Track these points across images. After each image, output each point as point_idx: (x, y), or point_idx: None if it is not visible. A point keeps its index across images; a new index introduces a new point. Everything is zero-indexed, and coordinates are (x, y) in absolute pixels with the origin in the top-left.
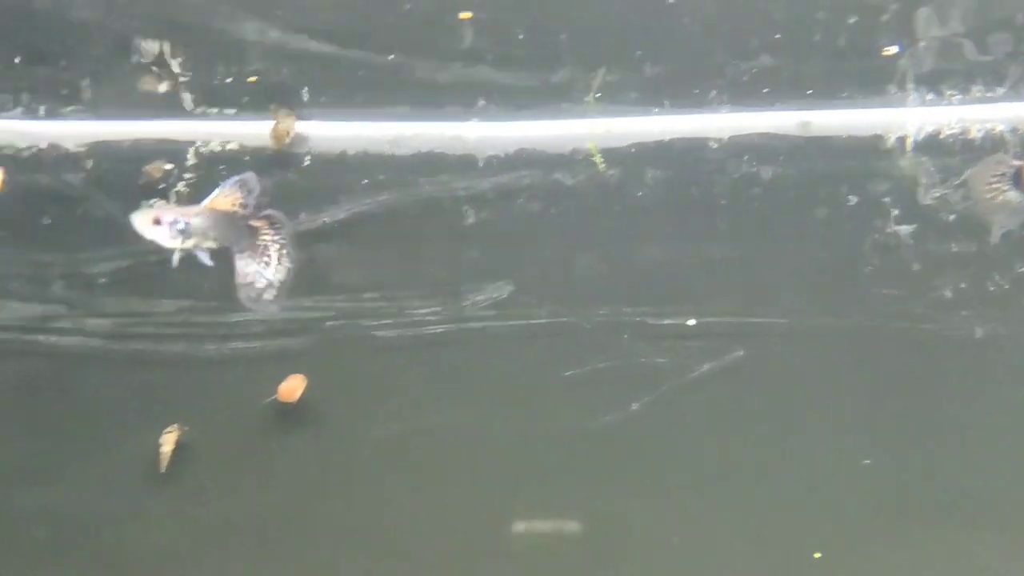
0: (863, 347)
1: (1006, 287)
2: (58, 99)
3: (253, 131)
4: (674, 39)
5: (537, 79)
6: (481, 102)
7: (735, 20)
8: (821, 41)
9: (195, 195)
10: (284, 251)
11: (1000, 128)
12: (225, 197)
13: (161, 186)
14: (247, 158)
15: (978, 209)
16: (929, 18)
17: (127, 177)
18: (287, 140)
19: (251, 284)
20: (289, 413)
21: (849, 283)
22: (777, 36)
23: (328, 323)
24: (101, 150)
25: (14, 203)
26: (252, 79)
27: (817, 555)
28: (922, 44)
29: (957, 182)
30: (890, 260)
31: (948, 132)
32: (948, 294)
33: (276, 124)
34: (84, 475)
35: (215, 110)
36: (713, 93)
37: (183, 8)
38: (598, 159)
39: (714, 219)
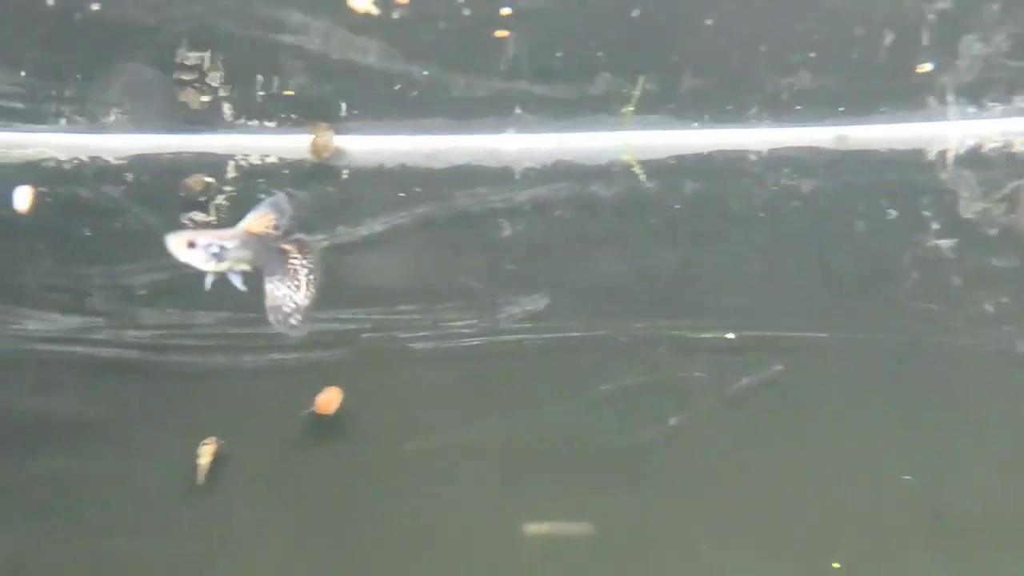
0: (903, 362)
1: None
2: (99, 112)
3: (292, 145)
4: (713, 54)
5: (574, 91)
6: (518, 114)
7: (774, 35)
8: (860, 56)
9: (235, 208)
10: (311, 276)
11: None
12: (259, 220)
13: (201, 199)
14: (286, 171)
15: (1021, 223)
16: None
17: (167, 190)
18: (326, 154)
19: (279, 307)
20: (325, 425)
21: (889, 297)
22: (816, 51)
23: (364, 335)
24: (141, 163)
25: (54, 215)
26: (289, 92)
27: (836, 565)
28: (963, 56)
29: (999, 196)
30: (930, 274)
31: (991, 145)
32: (989, 309)
33: (315, 138)
34: (122, 486)
35: (255, 124)
36: (753, 107)
37: (223, 22)
38: (638, 170)
39: (753, 232)
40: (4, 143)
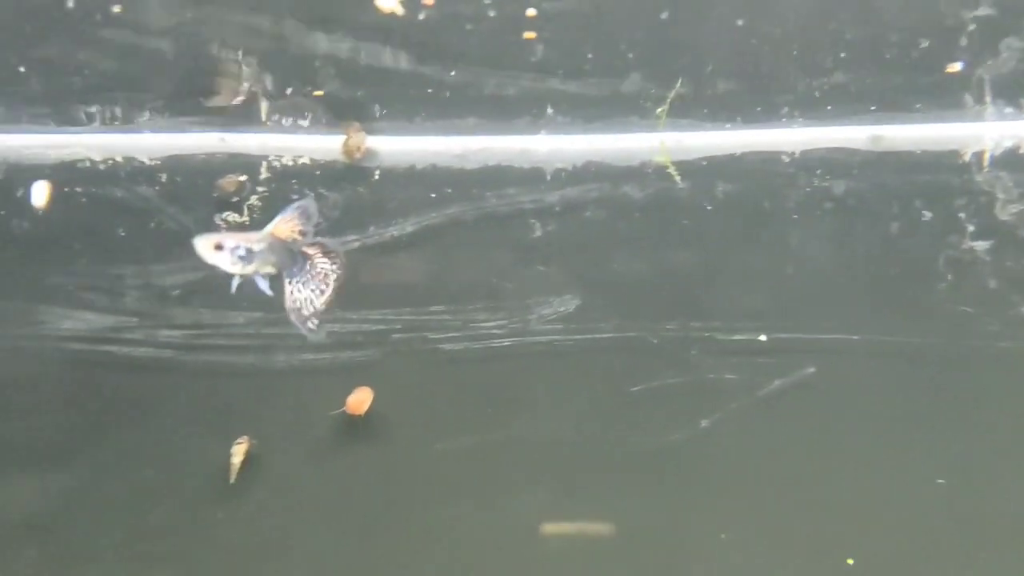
0: (937, 365)
1: None
2: (133, 114)
3: (324, 146)
4: (745, 54)
5: (606, 92)
6: (549, 115)
7: (807, 36)
8: (894, 55)
9: (267, 209)
10: (332, 279)
11: None
12: (286, 223)
13: (234, 199)
14: (318, 172)
15: None
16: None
17: (200, 190)
18: (358, 154)
19: (299, 310)
20: (356, 425)
21: (923, 299)
22: (849, 51)
23: (395, 336)
24: (175, 163)
25: (89, 215)
26: (319, 93)
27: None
28: (1002, 57)
29: None
30: (965, 277)
31: None
32: None
33: (347, 139)
34: (155, 485)
35: (288, 125)
36: (785, 108)
37: (256, 24)
38: (673, 171)
39: (785, 234)
40: (39, 144)
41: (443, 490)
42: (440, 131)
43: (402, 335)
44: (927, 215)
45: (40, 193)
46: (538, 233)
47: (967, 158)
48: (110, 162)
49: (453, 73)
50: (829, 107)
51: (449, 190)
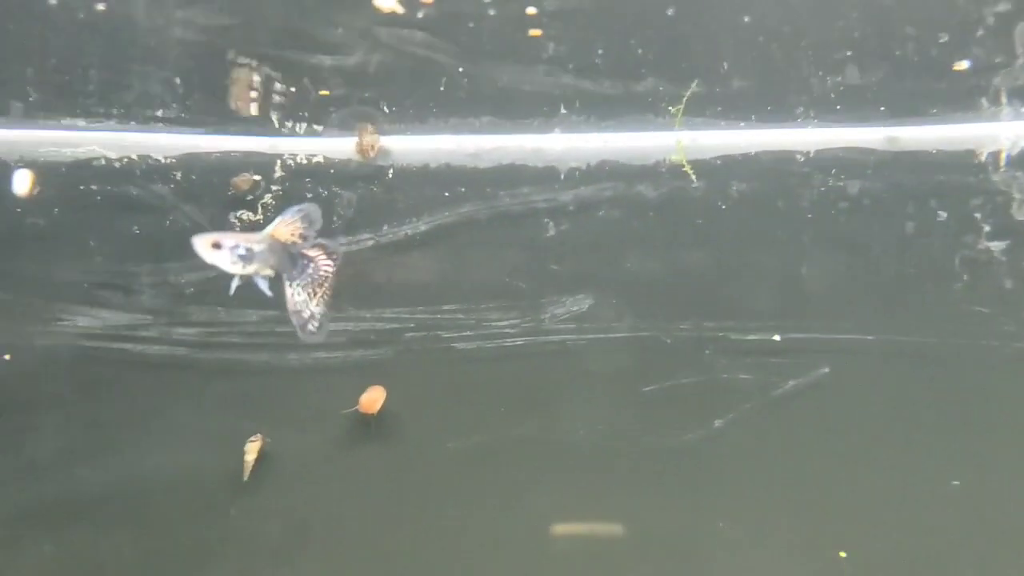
0: (953, 365)
1: None
2: (149, 112)
3: (338, 145)
4: (761, 54)
5: (620, 92)
6: (563, 114)
7: (822, 36)
8: (910, 56)
9: (281, 207)
10: (329, 283)
11: None
12: (286, 226)
13: (248, 198)
14: (332, 171)
15: None
16: None
17: (215, 189)
18: (371, 153)
19: (299, 312)
20: (369, 423)
21: (938, 300)
22: (865, 52)
23: (408, 334)
24: (190, 162)
25: (104, 213)
26: (324, 92)
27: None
28: (1019, 57)
29: None
30: (981, 276)
31: None
32: None
33: (360, 138)
34: (168, 481)
35: (302, 124)
36: (800, 107)
37: (271, 23)
38: (689, 170)
39: (800, 233)
40: (55, 142)
41: (455, 489)
42: (454, 130)
43: (415, 334)
44: (943, 215)
45: (22, 182)
46: (552, 232)
47: (983, 158)
48: (125, 160)
49: (466, 72)
50: (844, 107)
51: (463, 189)
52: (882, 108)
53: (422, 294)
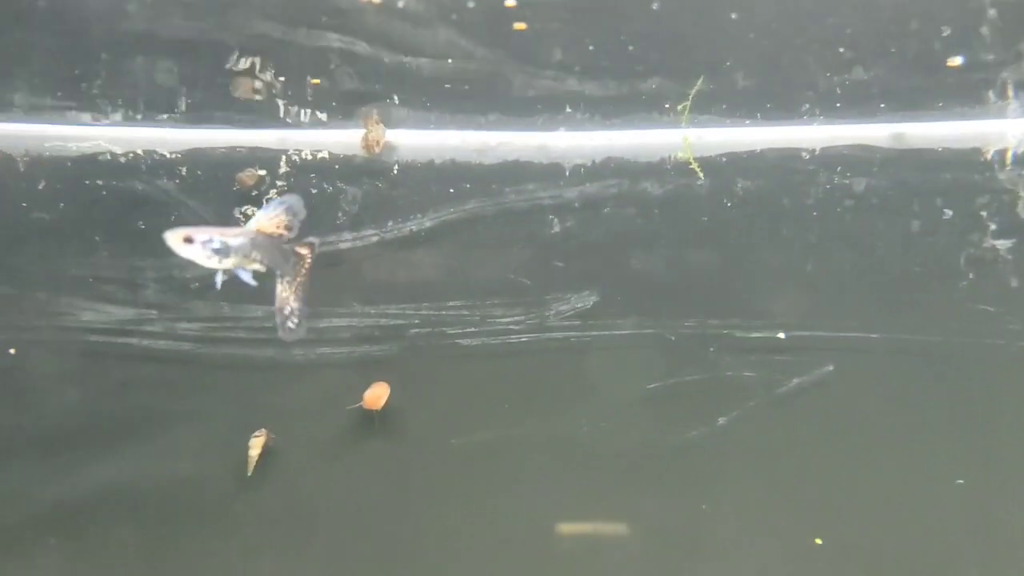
0: (957, 364)
1: None
2: (154, 106)
3: (343, 140)
4: (766, 51)
5: (626, 88)
6: (569, 111)
7: (827, 33)
8: (915, 53)
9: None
10: (306, 279)
11: None
12: (270, 220)
13: (254, 193)
14: (337, 167)
15: None
16: None
17: (220, 184)
18: (376, 149)
19: (282, 309)
20: (373, 419)
21: (944, 298)
22: (870, 49)
23: (412, 330)
24: (195, 157)
25: (110, 208)
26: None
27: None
28: None
29: None
30: (987, 275)
31: None
32: None
33: (366, 133)
34: (173, 476)
35: (307, 119)
36: (805, 105)
37: (277, 19)
38: (696, 166)
39: (805, 231)
40: (61, 137)
41: (458, 484)
42: (459, 126)
43: (420, 330)
44: (948, 213)
45: None
46: (556, 229)
47: (989, 156)
48: (131, 155)
49: (472, 68)
50: (850, 104)
51: (468, 185)
52: (888, 106)
53: (427, 290)
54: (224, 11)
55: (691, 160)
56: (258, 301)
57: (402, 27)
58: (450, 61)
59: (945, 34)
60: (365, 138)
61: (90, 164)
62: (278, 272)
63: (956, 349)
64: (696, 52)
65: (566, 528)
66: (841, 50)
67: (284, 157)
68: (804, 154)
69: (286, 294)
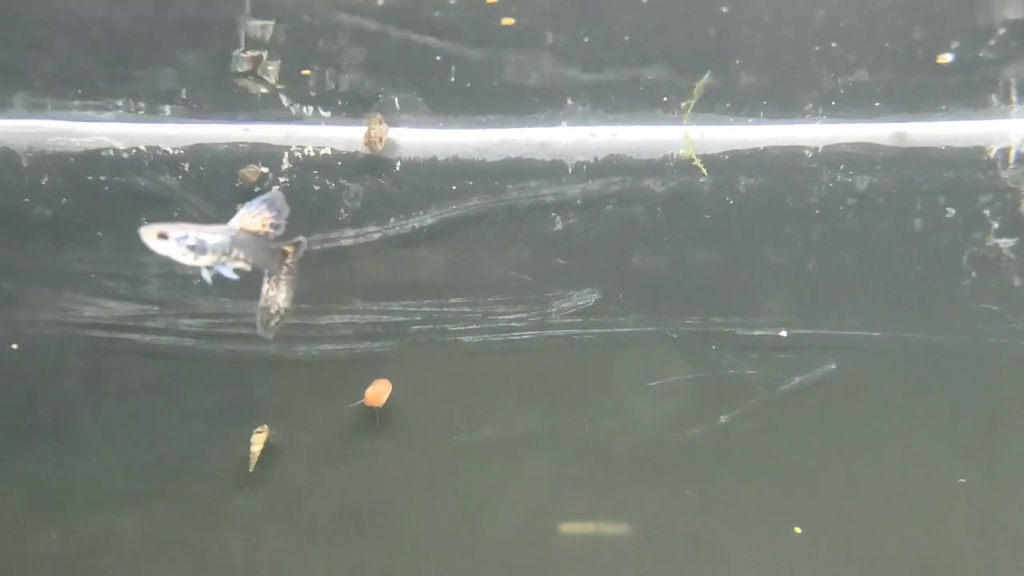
0: (960, 363)
1: None
2: (157, 103)
3: (346, 136)
4: (769, 49)
5: (628, 86)
6: (570, 108)
7: (831, 31)
8: (919, 52)
9: (289, 199)
10: (292, 278)
11: None
12: (252, 217)
13: (256, 189)
14: (340, 163)
15: None
16: None
17: (223, 180)
18: (379, 146)
19: (267, 308)
20: (374, 416)
21: (946, 297)
22: (874, 47)
23: (414, 328)
24: (198, 153)
25: (112, 203)
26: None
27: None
28: None
29: None
30: (989, 274)
31: None
32: None
33: (368, 130)
34: (174, 472)
35: (310, 116)
36: (809, 103)
37: (280, 16)
38: (699, 163)
39: (807, 229)
40: (64, 132)
41: (460, 483)
42: (461, 123)
43: (422, 327)
44: (951, 212)
45: None
46: (559, 226)
47: (992, 154)
48: (134, 151)
49: (475, 66)
50: (853, 103)
51: (470, 182)
52: (891, 104)
53: (429, 287)
54: (228, 7)
55: (694, 157)
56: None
57: (404, 25)
58: (454, 59)
59: (948, 33)
60: (368, 135)
61: (93, 160)
62: (265, 271)
63: (958, 348)
64: (699, 50)
65: (568, 526)
66: (844, 49)
67: (287, 153)
68: (807, 152)
69: (272, 292)
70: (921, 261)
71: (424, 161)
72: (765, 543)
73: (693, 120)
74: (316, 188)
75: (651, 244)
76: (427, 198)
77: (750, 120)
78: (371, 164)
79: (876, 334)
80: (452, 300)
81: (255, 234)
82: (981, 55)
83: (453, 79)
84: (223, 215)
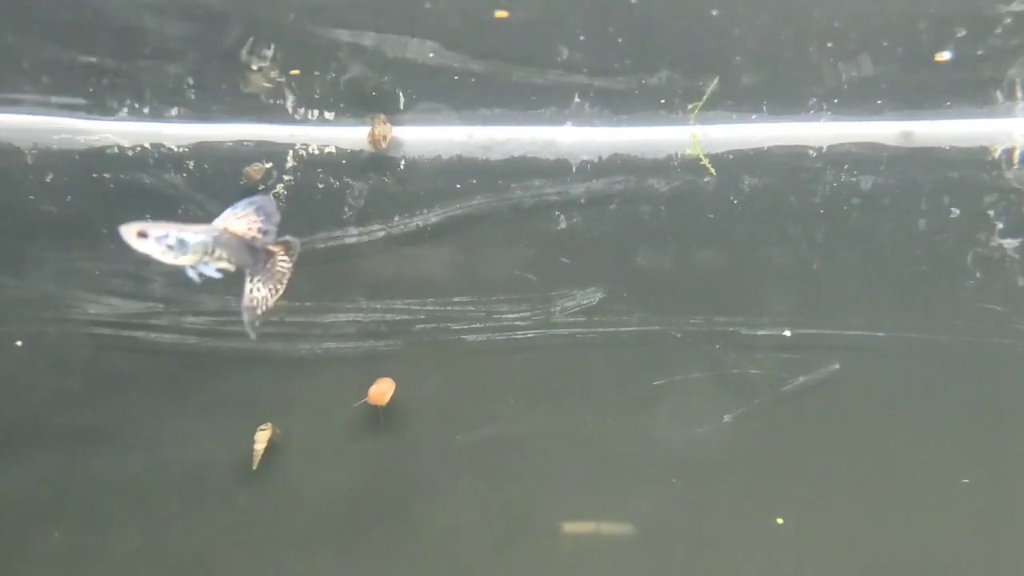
0: (963, 363)
1: None
2: (162, 101)
3: (350, 135)
4: (773, 48)
5: (633, 84)
6: (575, 106)
7: (835, 29)
8: (924, 51)
9: (294, 197)
10: (286, 279)
11: None
12: (237, 219)
13: (261, 188)
14: (344, 161)
15: None
16: None
17: (227, 178)
18: (383, 144)
19: (253, 308)
20: (378, 414)
21: (950, 297)
22: (878, 46)
23: (418, 326)
24: (203, 151)
25: (116, 201)
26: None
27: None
28: None
29: None
30: (993, 274)
31: None
32: None
33: (373, 128)
34: (178, 470)
35: (314, 114)
36: (813, 102)
37: (285, 14)
38: (707, 163)
39: (811, 229)
40: (68, 130)
41: (463, 482)
42: (466, 122)
43: (425, 326)
44: (955, 212)
45: None
46: (563, 225)
47: (997, 155)
48: (138, 149)
49: (479, 64)
50: (857, 102)
51: (474, 181)
52: (896, 104)
53: (432, 286)
54: (233, 4)
55: (701, 156)
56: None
57: (408, 23)
58: (459, 57)
59: (952, 29)
60: (372, 133)
61: (98, 157)
62: (247, 271)
63: (962, 348)
64: (703, 49)
65: (571, 525)
66: (849, 47)
67: (291, 152)
68: (811, 152)
69: (259, 294)
70: (925, 261)
71: (428, 160)
72: (768, 543)
73: (697, 119)
74: (320, 186)
75: (655, 243)
76: (431, 197)
77: (754, 119)
78: (375, 163)
79: (880, 334)
80: (456, 299)
81: (236, 235)
82: (986, 51)
83: (457, 78)
84: None
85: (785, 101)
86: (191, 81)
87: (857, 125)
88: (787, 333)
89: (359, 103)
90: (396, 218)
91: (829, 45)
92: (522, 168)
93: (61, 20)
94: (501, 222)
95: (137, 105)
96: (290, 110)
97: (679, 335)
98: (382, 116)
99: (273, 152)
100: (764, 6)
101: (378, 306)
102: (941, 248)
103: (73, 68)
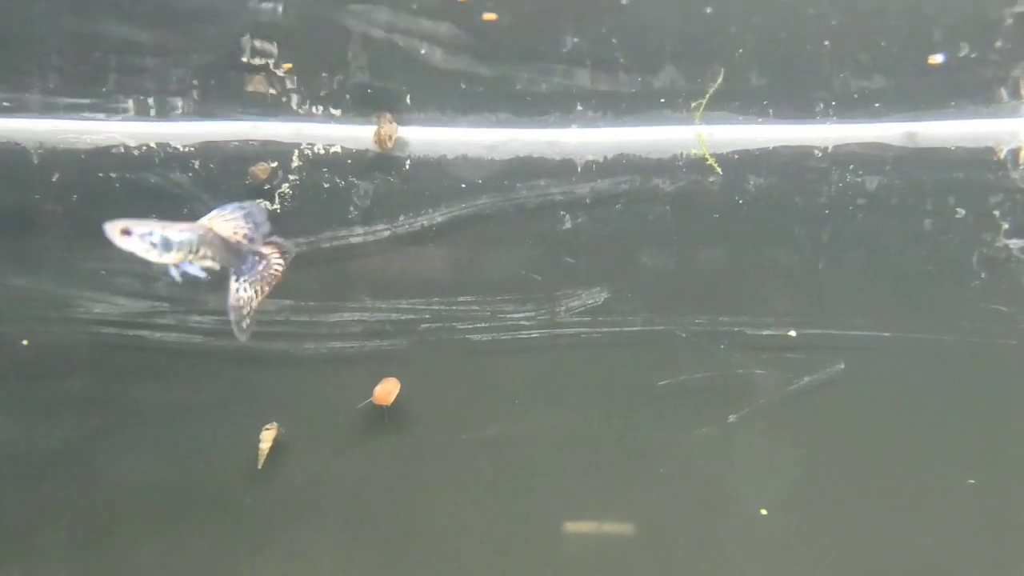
0: (969, 363)
1: None
2: (168, 100)
3: (356, 135)
4: (779, 48)
5: (638, 84)
6: (580, 107)
7: (841, 31)
8: (930, 52)
9: (299, 196)
10: (276, 282)
11: None
12: (225, 221)
13: (266, 187)
14: (349, 161)
15: None
16: None
17: (233, 177)
18: (389, 144)
19: (239, 308)
20: (383, 413)
21: (955, 297)
22: (884, 47)
23: (423, 326)
24: (208, 150)
25: (123, 201)
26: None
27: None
28: None
29: None
30: (999, 274)
31: None
32: None
33: (378, 128)
34: (183, 469)
35: (320, 114)
36: (819, 103)
37: (290, 14)
38: (713, 162)
39: (817, 229)
40: (75, 130)
41: (468, 481)
42: (471, 122)
43: (430, 325)
44: (961, 212)
45: None
46: (568, 225)
47: (1002, 155)
48: (144, 148)
49: (489, 65)
50: (863, 103)
51: (479, 181)
52: (902, 104)
53: (437, 286)
54: (239, 5)
55: (707, 156)
56: (270, 295)
57: (413, 23)
58: (464, 57)
59: (960, 36)
60: (377, 133)
61: (103, 157)
62: (232, 272)
63: (968, 348)
64: (710, 50)
65: (575, 524)
66: (854, 48)
67: (297, 151)
68: (817, 152)
69: (245, 294)
70: (931, 262)
71: (433, 159)
72: (772, 544)
73: (702, 119)
74: (326, 186)
75: (660, 243)
76: (436, 196)
77: (759, 119)
78: (381, 162)
79: (885, 334)
80: (461, 298)
81: (223, 237)
82: (991, 51)
83: (462, 79)
84: None
85: (791, 102)
86: (196, 81)
87: (862, 126)
88: (792, 333)
89: (364, 103)
90: (401, 217)
91: (835, 47)
92: (527, 168)
93: (67, 21)
94: (506, 222)
95: (143, 105)
96: (295, 110)
97: (684, 335)
98: (388, 115)
99: (279, 151)
100: (770, 8)
101: (383, 306)
102: (946, 248)
103: (79, 68)
